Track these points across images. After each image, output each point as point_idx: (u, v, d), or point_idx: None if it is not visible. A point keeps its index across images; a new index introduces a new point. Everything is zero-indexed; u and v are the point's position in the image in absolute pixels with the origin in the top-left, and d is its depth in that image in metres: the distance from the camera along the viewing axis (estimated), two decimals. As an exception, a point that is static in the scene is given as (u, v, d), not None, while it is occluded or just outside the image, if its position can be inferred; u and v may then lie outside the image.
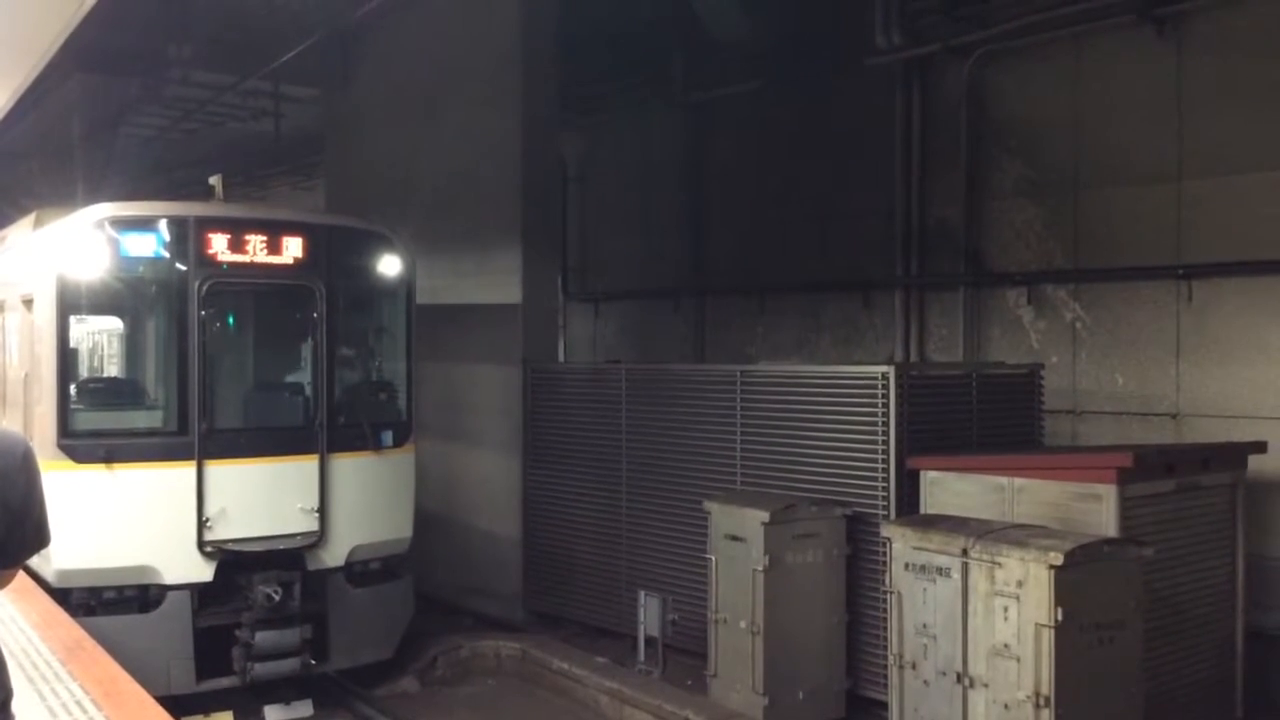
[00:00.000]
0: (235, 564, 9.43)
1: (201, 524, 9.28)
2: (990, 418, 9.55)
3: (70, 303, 9.22)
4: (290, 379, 10.58)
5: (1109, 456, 8.03)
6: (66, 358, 9.24)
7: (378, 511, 10.25)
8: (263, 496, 9.62)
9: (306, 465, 9.77)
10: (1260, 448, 8.82)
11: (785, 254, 14.10)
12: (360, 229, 10.59)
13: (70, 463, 8.97)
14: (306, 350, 10.25)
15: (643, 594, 10.32)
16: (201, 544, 9.28)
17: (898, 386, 8.86)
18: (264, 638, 9.31)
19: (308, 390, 10.11)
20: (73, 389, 9.38)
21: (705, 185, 15.37)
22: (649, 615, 10.19)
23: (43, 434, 9.09)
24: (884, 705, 8.16)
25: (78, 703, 5.96)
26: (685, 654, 10.05)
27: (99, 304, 9.75)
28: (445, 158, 13.39)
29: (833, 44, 13.01)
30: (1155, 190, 10.61)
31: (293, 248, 9.87)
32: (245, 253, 9.66)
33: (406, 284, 10.64)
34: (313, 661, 9.58)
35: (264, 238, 9.73)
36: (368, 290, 10.75)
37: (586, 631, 11.57)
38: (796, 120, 13.91)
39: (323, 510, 9.75)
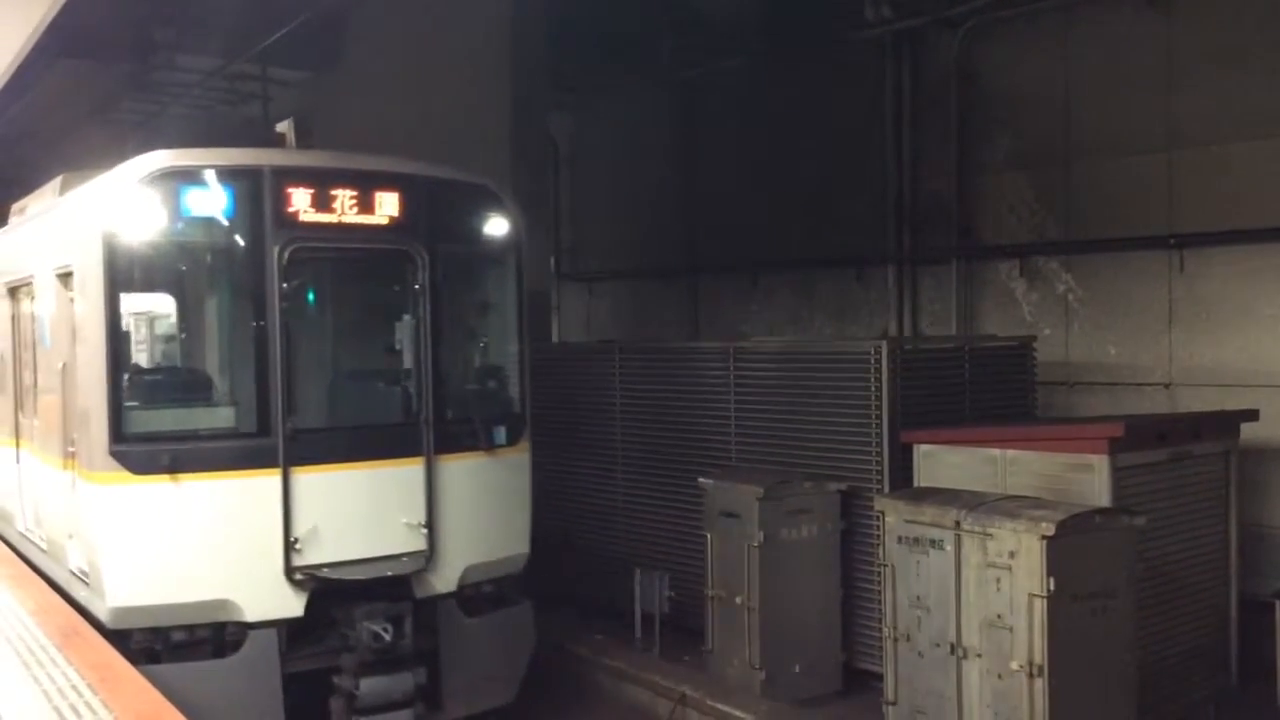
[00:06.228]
0: (329, 594, 7.75)
1: (289, 546, 7.60)
2: (983, 391, 9.56)
3: (121, 275, 7.47)
4: (388, 366, 8.90)
5: (1100, 427, 8.06)
6: (119, 343, 7.49)
7: (492, 523, 8.69)
8: (360, 510, 7.94)
9: (410, 470, 8.12)
10: (1252, 416, 8.84)
11: (777, 231, 14.07)
12: (465, 182, 8.80)
13: (126, 474, 7.33)
14: (407, 331, 8.59)
15: (639, 571, 10.35)
16: (290, 571, 7.61)
17: (890, 361, 8.87)
18: (370, 685, 7.65)
19: (409, 379, 8.43)
20: (126, 382, 7.55)
21: (696, 163, 15.32)
22: (646, 592, 10.21)
23: (89, 439, 7.50)
24: (880, 677, 8.18)
25: (73, 687, 5.98)
26: (683, 630, 10.07)
27: (155, 276, 8.09)
28: (435, 139, 13.33)
29: (822, 17, 12.95)
30: (1146, 160, 10.59)
31: (387, 205, 8.16)
32: (332, 211, 7.93)
33: (517, 249, 8.96)
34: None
35: (353, 193, 8.01)
36: (476, 257, 9.02)
37: (584, 609, 11.60)
38: (786, 95, 13.86)
39: (431, 524, 8.13)
